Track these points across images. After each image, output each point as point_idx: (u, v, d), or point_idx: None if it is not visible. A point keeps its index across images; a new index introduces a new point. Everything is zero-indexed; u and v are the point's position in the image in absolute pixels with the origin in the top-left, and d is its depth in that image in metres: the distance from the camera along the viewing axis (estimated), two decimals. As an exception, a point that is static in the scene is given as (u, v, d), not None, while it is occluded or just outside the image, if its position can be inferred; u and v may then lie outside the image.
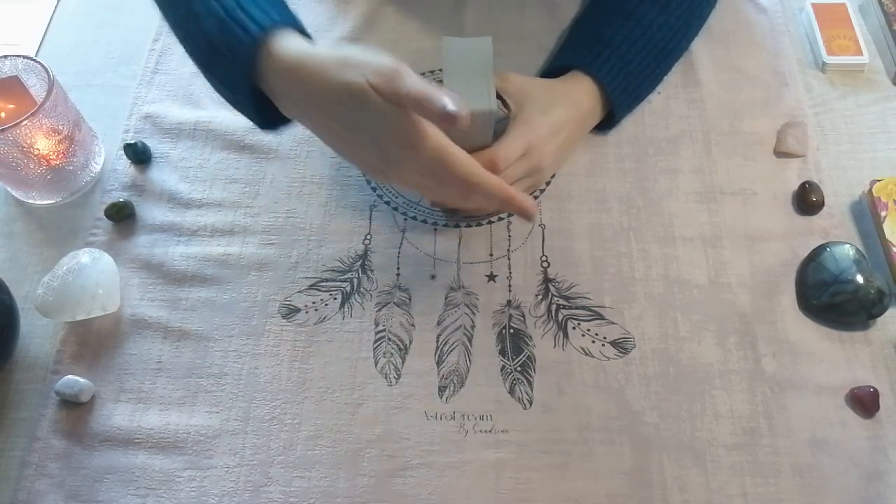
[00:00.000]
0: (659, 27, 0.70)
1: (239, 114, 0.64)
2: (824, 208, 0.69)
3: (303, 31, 0.60)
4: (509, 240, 0.69)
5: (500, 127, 0.63)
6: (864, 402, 0.59)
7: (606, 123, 0.73)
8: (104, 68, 0.82)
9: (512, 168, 0.64)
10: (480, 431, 0.60)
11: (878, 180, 0.68)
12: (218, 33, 0.58)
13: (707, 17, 0.76)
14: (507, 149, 0.62)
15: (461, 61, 0.61)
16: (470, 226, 0.69)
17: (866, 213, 0.69)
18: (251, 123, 0.71)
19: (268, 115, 0.62)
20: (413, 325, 0.65)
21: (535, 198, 0.70)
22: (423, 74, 0.76)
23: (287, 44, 0.57)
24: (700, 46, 0.79)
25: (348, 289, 0.67)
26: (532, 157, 0.64)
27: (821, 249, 0.66)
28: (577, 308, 0.65)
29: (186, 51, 0.65)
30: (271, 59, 0.57)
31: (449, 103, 0.50)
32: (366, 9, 0.83)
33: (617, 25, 0.70)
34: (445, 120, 0.51)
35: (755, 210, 0.69)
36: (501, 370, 0.62)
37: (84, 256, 0.65)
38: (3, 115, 0.70)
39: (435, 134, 0.54)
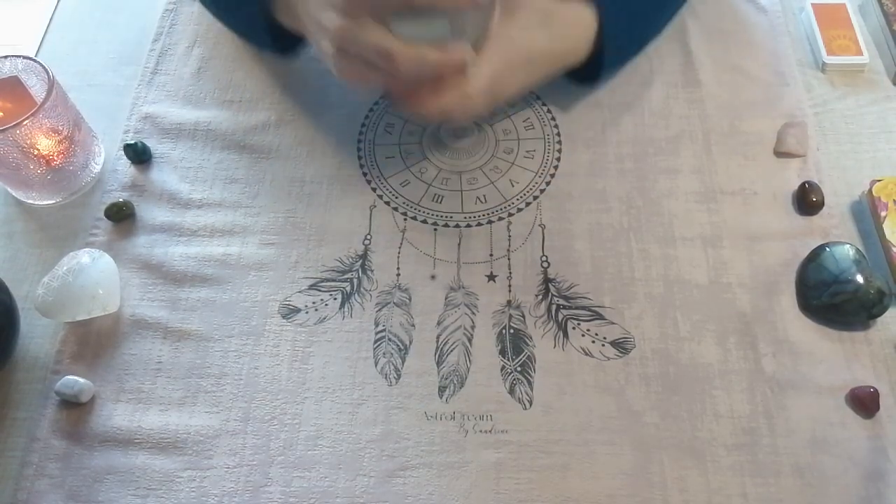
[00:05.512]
0: None
1: (239, 113, 0.71)
2: (824, 208, 0.69)
3: None
4: (509, 240, 0.69)
5: (483, 16, 0.59)
6: (864, 402, 0.59)
7: (588, 76, 0.71)
8: (104, 68, 0.82)
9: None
10: (480, 431, 0.60)
11: (878, 180, 0.68)
12: None
13: None
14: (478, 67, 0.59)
15: None
16: (470, 226, 0.69)
17: (866, 213, 0.69)
18: (251, 123, 0.76)
19: (280, 41, 0.70)
20: (413, 325, 0.65)
21: (536, 198, 0.71)
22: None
23: None
24: (700, 46, 0.79)
25: (348, 289, 0.67)
26: (496, 83, 0.62)
27: (821, 249, 0.66)
28: (577, 308, 0.65)
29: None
30: None
31: None
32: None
33: None
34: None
35: (755, 210, 0.69)
36: (501, 370, 0.62)
37: (84, 256, 0.65)
38: (2, 114, 0.70)
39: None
